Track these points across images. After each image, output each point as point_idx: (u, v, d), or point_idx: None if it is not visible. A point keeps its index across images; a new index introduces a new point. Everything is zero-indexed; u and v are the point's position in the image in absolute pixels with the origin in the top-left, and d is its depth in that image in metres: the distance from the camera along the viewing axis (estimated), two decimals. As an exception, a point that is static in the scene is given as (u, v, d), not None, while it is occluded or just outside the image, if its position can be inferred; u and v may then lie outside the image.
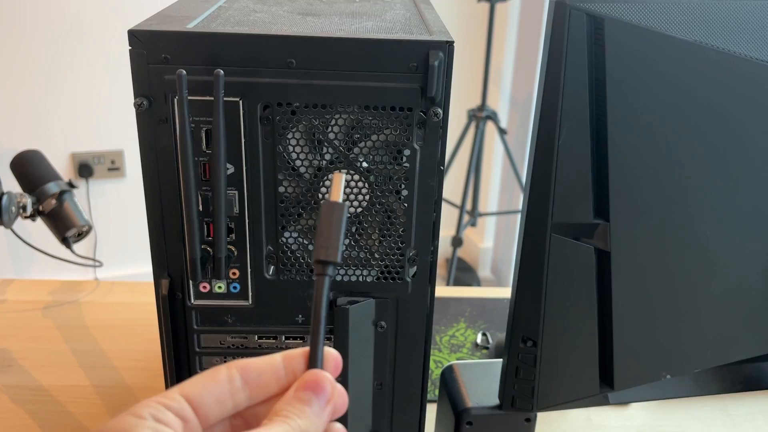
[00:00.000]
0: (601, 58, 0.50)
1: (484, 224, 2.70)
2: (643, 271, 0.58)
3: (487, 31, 2.25)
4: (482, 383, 0.67)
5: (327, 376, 0.34)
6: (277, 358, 0.35)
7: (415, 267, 0.53)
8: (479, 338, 0.97)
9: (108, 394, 0.82)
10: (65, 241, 1.11)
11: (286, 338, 0.55)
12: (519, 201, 2.42)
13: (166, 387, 0.55)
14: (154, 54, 0.46)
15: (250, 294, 0.53)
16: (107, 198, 2.27)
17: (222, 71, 0.44)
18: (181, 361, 0.55)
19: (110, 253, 2.22)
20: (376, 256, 0.52)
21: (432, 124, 0.48)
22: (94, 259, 1.19)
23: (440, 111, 0.48)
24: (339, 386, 0.35)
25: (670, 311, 0.60)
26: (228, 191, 0.49)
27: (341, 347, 0.54)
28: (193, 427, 0.32)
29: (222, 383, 0.33)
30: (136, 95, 0.46)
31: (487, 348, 0.95)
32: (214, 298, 0.53)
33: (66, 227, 1.09)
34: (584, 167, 0.53)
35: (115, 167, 2.22)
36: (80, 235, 1.14)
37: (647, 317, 0.60)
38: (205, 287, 0.52)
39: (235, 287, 0.53)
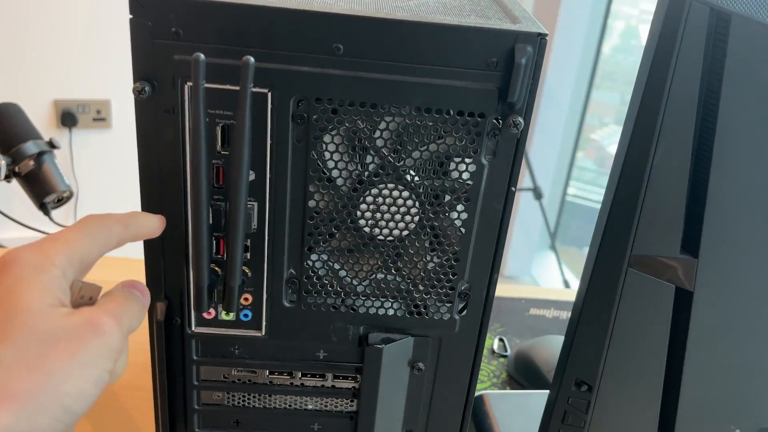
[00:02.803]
0: (719, 63, 0.40)
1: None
2: (726, 315, 0.49)
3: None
4: (517, 419, 0.59)
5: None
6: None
7: (465, 302, 0.44)
8: (496, 344, 0.88)
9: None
10: (43, 207, 1.01)
11: (303, 375, 0.46)
12: (529, 193, 2.30)
13: (156, 423, 0.46)
14: (162, 27, 0.35)
15: (263, 323, 0.43)
16: (91, 150, 2.14)
17: (252, 58, 0.33)
18: (175, 394, 0.45)
19: (91, 209, 2.10)
20: (420, 287, 0.43)
21: (508, 135, 0.38)
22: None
23: (521, 121, 0.38)
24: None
25: (749, 362, 0.52)
26: (247, 203, 0.39)
27: (370, 389, 0.45)
28: None
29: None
30: (135, 78, 0.36)
31: (504, 356, 0.87)
32: (219, 326, 0.44)
33: (45, 192, 0.99)
34: (679, 193, 0.44)
35: (101, 117, 2.08)
36: (60, 201, 1.04)
37: (723, 366, 0.51)
38: (209, 313, 0.43)
39: (246, 315, 0.43)
